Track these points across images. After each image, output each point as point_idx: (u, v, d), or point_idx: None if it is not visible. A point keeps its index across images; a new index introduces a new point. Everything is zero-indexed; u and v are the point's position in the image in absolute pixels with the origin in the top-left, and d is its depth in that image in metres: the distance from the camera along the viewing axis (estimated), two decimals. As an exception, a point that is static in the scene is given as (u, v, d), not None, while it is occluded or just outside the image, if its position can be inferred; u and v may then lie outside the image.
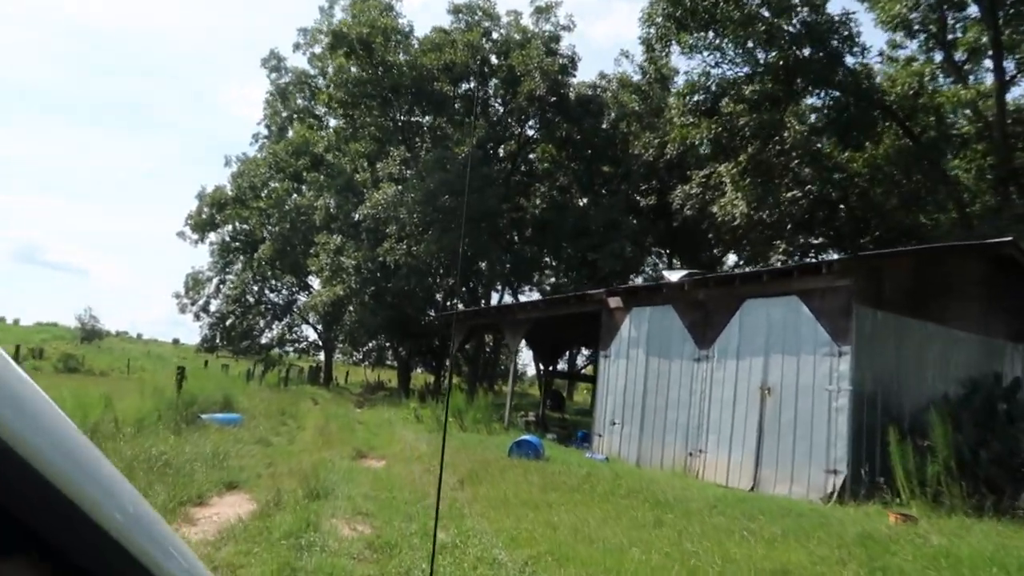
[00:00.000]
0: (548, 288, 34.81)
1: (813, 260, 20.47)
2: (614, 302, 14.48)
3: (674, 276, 14.42)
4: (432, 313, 30.41)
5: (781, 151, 18.82)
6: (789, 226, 22.07)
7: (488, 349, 32.12)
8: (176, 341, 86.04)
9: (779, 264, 22.91)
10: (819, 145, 22.11)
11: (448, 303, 32.46)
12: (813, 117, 21.95)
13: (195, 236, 43.96)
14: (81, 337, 60.20)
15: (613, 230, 25.95)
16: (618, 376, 14.12)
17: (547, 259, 32.70)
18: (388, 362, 43.13)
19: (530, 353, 34.31)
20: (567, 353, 32.55)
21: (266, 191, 39.56)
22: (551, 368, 24.03)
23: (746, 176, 18.75)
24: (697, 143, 18.98)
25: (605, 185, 31.53)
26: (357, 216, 27.42)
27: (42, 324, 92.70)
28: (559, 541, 6.69)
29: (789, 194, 19.29)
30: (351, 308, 29.39)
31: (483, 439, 14.94)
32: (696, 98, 18.71)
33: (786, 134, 19.30)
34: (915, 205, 22.99)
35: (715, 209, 20.43)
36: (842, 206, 23.99)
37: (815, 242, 26.15)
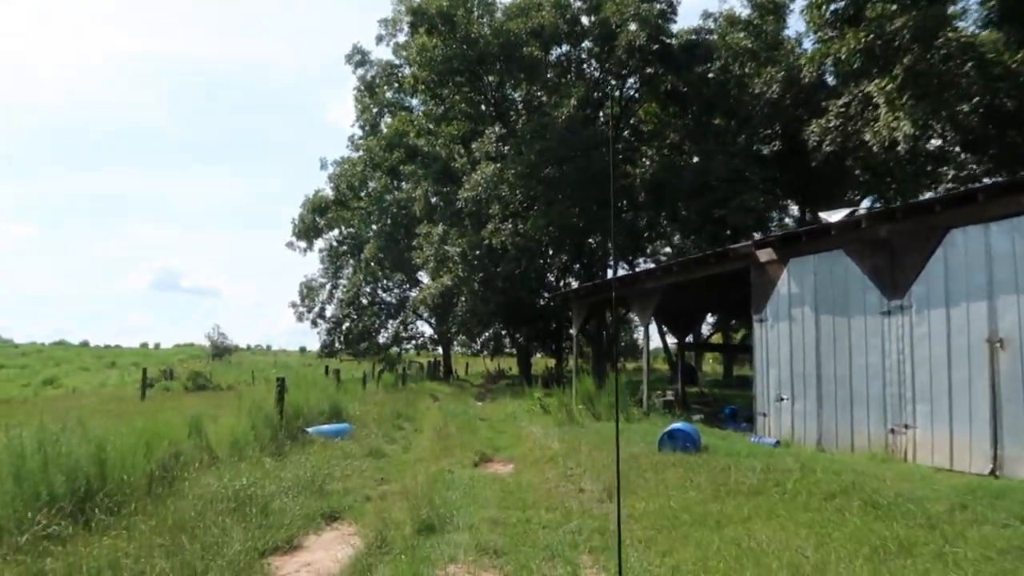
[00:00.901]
0: (663, 258, 32.12)
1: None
2: (765, 255, 11.98)
3: (833, 217, 11.72)
4: (545, 295, 28.51)
5: (947, 55, 15.45)
6: (957, 149, 18.52)
7: (609, 327, 29.77)
8: (303, 349, 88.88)
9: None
10: (983, 48, 18.41)
11: (562, 283, 30.44)
12: (975, 14, 18.27)
13: (303, 244, 44.06)
14: (212, 354, 62.62)
15: (738, 182, 23.06)
16: (780, 342, 11.63)
17: (663, 226, 30.00)
18: (507, 350, 41.73)
19: (653, 325, 31.98)
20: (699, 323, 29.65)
21: (365, 191, 38.90)
22: (683, 340, 21.50)
23: (904, 91, 15.55)
24: (843, 58, 15.93)
25: (720, 137, 28.48)
26: (458, 202, 25.79)
27: (179, 346, 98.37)
28: (779, 593, 4.53)
29: (960, 107, 15.88)
30: (463, 298, 27.94)
31: (623, 428, 12.82)
32: (834, 6, 15.71)
33: (949, 36, 15.88)
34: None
35: (867, 136, 17.26)
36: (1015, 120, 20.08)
37: (977, 170, 22.19)
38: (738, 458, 9.26)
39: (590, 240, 28.51)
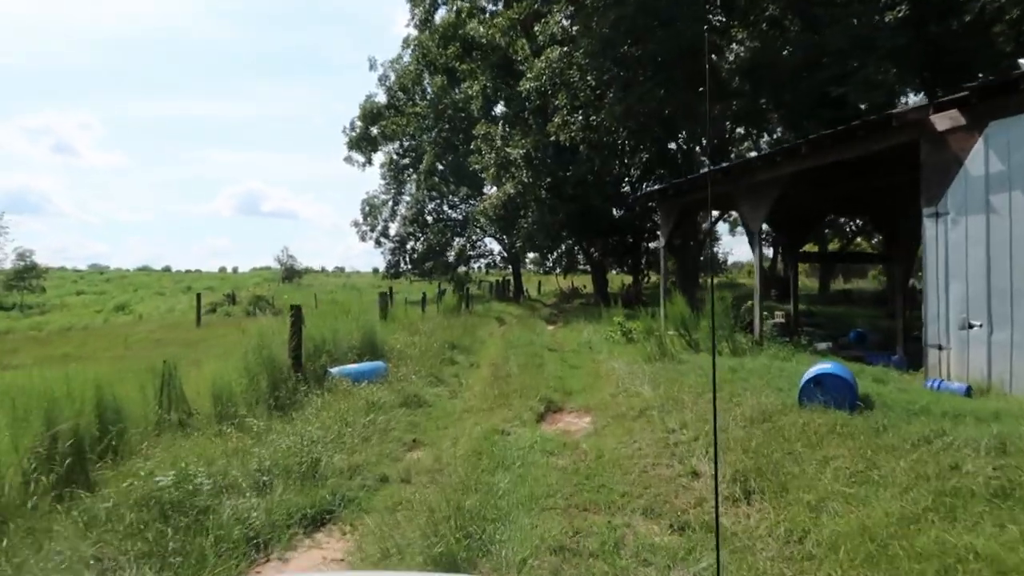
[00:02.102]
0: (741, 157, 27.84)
1: None
2: (945, 120, 8.39)
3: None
4: (629, 200, 24.95)
5: None
6: None
7: (700, 235, 26.04)
8: (376, 270, 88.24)
9: None
10: None
11: (639, 192, 26.75)
12: None
13: (360, 159, 41.39)
14: (282, 277, 62.09)
15: (861, 51, 18.70)
16: (969, 245, 8.17)
17: (760, 116, 25.68)
18: (580, 267, 38.69)
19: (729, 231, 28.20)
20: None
21: (420, 94, 35.58)
22: (795, 249, 17.70)
23: None
24: None
25: (829, 8, 23.66)
26: (520, 94, 22.16)
27: (256, 269, 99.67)
28: None
29: None
30: (532, 208, 24.76)
31: (735, 365, 9.67)
32: None
33: None
34: None
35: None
36: None
37: None
38: (932, 420, 6.08)
39: (672, 145, 24.51)
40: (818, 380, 7.05)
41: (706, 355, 11.49)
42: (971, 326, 8.10)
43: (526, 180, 22.45)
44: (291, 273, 62.59)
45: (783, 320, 15.55)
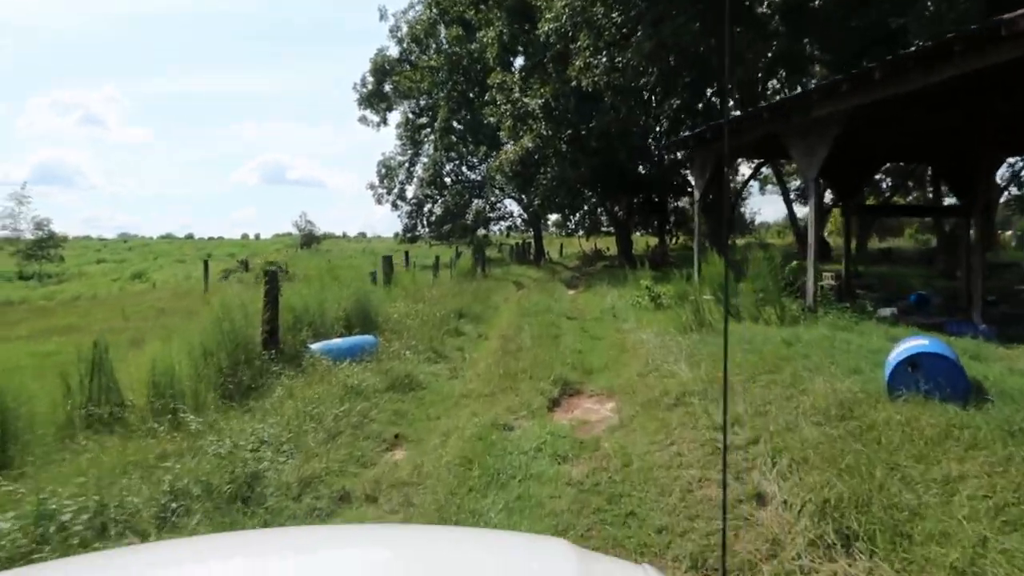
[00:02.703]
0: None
1: None
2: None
3: None
4: (655, 153, 23.01)
5: None
6: None
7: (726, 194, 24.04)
8: (397, 235, 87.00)
9: None
10: None
11: (670, 138, 24.81)
12: None
13: (375, 118, 39.70)
14: (300, 243, 61.12)
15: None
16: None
17: (801, 57, 23.44)
18: (604, 228, 36.93)
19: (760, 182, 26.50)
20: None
21: (434, 45, 33.63)
22: (848, 202, 15.50)
23: None
24: None
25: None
26: (541, 36, 20.23)
27: (278, 235, 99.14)
28: None
29: None
30: (551, 163, 22.98)
31: (788, 337, 7.98)
32: None
33: None
34: None
35: None
36: None
37: None
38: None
39: (706, 92, 22.37)
40: (913, 361, 5.39)
41: (751, 324, 9.82)
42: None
43: (545, 133, 20.66)
44: (309, 239, 61.57)
45: (834, 282, 13.80)
